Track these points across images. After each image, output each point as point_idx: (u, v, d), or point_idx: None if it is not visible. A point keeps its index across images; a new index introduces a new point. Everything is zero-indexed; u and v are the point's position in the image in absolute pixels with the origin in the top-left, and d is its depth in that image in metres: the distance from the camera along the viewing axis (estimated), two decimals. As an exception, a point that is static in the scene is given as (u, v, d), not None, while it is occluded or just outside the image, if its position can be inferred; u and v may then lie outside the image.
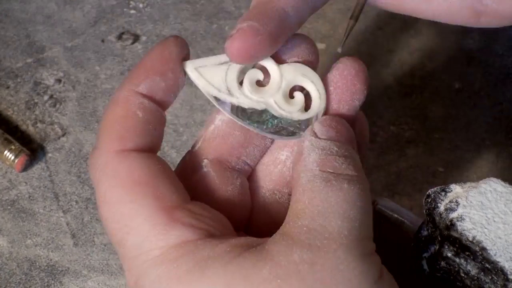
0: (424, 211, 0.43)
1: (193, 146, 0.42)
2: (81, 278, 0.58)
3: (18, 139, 0.64)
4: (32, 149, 0.64)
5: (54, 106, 0.67)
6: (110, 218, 0.38)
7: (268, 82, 0.41)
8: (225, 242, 0.36)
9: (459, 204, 0.40)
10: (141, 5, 0.74)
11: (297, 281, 0.34)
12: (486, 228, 0.39)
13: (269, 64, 0.41)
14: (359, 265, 0.35)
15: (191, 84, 0.68)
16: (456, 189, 0.41)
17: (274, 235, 0.37)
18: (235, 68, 0.41)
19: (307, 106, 0.41)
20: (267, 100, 0.41)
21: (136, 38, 0.72)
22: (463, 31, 0.71)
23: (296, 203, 0.37)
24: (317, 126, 0.40)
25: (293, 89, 0.41)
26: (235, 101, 0.41)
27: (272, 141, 0.43)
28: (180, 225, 0.36)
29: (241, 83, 0.41)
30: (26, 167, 0.63)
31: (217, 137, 0.41)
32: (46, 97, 0.68)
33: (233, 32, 0.39)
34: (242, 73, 0.41)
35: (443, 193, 0.42)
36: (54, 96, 0.68)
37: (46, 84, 0.68)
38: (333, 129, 0.40)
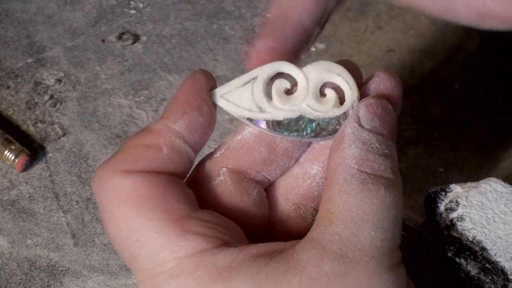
0: (424, 211, 0.43)
1: (215, 152, 0.42)
2: (81, 278, 0.58)
3: (19, 139, 0.64)
4: (33, 149, 0.64)
5: (55, 106, 0.67)
6: (119, 234, 0.37)
7: (296, 88, 0.41)
8: (244, 250, 0.36)
9: (459, 204, 0.40)
10: (141, 5, 0.74)
11: None
12: (486, 228, 0.39)
13: (292, 69, 0.40)
14: (390, 277, 0.35)
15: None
16: (456, 189, 0.41)
17: (303, 240, 0.36)
18: (260, 83, 0.40)
19: (341, 100, 0.40)
20: (299, 106, 0.40)
21: (136, 38, 0.72)
22: (463, 31, 0.71)
23: (329, 203, 0.37)
24: (362, 111, 0.39)
25: (323, 88, 0.41)
26: (268, 116, 0.40)
27: (297, 160, 0.42)
28: (192, 235, 0.36)
29: (270, 96, 0.40)
30: (26, 167, 0.63)
31: (241, 149, 0.41)
32: (46, 97, 0.68)
33: (251, 50, 0.39)
34: (268, 86, 0.40)
35: (443, 193, 0.42)
36: (55, 96, 0.68)
37: (46, 84, 0.68)
38: (378, 118, 0.39)
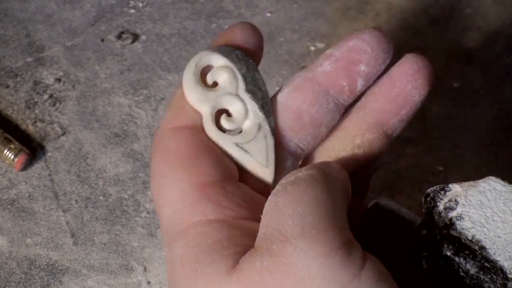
0: (423, 210, 0.43)
1: None
2: (81, 277, 0.58)
3: (18, 138, 0.64)
4: (32, 148, 0.64)
5: (54, 105, 0.67)
6: (154, 190, 0.38)
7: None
8: (232, 241, 0.36)
9: (458, 203, 0.40)
10: (140, 5, 0.74)
11: None
12: (485, 227, 0.39)
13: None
14: (324, 265, 0.33)
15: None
16: (455, 188, 0.41)
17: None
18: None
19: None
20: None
21: (135, 37, 0.72)
22: (462, 31, 0.71)
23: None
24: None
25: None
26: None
27: (330, 128, 0.42)
28: (207, 202, 0.36)
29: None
30: (25, 166, 0.63)
31: None
32: (46, 96, 0.68)
33: None
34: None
35: (442, 192, 0.42)
36: (54, 95, 0.68)
37: (45, 83, 0.68)
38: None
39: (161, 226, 0.38)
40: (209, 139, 0.39)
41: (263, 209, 0.38)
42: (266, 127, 0.40)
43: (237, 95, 0.40)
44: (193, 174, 0.37)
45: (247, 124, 0.40)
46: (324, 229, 0.34)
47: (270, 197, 0.36)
